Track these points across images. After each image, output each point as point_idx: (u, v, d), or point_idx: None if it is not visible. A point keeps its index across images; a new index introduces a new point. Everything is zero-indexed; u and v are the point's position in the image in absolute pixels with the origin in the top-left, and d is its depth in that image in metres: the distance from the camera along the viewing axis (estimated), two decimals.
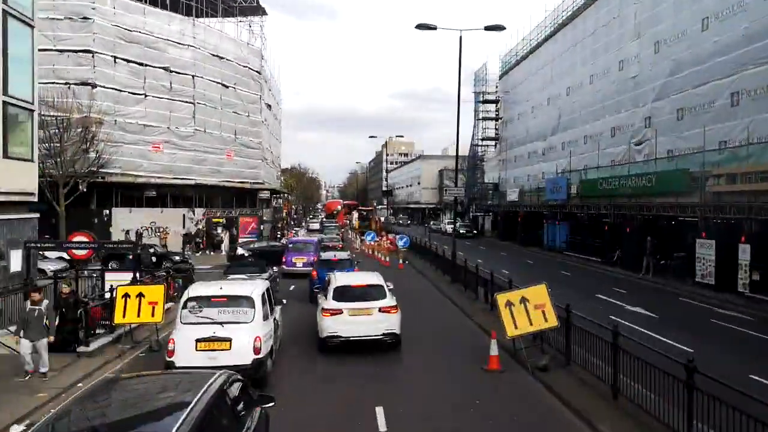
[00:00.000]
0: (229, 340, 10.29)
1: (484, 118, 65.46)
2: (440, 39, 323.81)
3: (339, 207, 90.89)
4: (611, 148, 36.72)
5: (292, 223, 65.32)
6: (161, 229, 42.37)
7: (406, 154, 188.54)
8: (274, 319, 12.37)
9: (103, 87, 39.31)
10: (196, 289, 11.74)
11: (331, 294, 13.70)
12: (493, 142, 66.55)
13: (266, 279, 16.96)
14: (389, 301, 13.72)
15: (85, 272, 18.76)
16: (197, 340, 10.28)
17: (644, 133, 32.93)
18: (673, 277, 26.57)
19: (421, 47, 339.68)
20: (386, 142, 58.11)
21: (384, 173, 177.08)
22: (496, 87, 64.22)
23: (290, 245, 31.01)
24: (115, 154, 38.66)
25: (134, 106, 41.32)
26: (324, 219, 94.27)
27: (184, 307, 11.00)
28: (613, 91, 36.87)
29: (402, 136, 59.77)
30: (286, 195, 69.74)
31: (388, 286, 14.53)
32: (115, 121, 39.85)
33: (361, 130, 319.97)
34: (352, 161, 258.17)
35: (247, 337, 10.40)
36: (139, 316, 13.82)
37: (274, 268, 23.47)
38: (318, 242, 32.62)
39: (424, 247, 37.46)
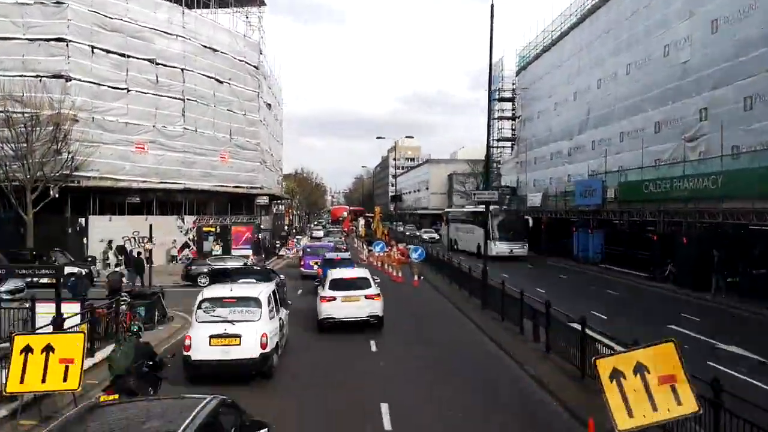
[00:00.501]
0: (239, 336, 11.52)
1: (500, 117, 60.78)
2: (447, 41, 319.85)
3: (345, 213, 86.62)
4: (656, 146, 32.02)
5: (293, 231, 60.84)
6: (145, 241, 37.88)
7: (412, 159, 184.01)
8: (280, 318, 13.60)
9: (79, 80, 34.95)
10: (210, 292, 13.02)
11: (327, 284, 17.33)
12: (509, 143, 61.91)
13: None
14: (374, 290, 17.36)
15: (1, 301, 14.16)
16: (211, 336, 11.49)
17: (699, 127, 28.24)
18: (749, 298, 21.85)
19: (427, 50, 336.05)
20: (395, 143, 53.63)
21: (391, 178, 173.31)
22: (513, 84, 59.61)
23: (307, 249, 33.84)
24: (92, 156, 34.30)
25: (115, 102, 36.94)
26: (329, 226, 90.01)
27: (199, 307, 12.20)
28: (657, 81, 32.19)
29: (412, 137, 55.03)
30: (288, 201, 65.34)
31: (374, 279, 18.33)
32: (93, 118, 35.49)
33: (366, 135, 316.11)
34: (357, 166, 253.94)
35: (255, 333, 11.63)
36: (44, 382, 9.29)
37: (281, 276, 23.21)
38: (333, 247, 34.77)
39: (441, 260, 32.82)
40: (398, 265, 34.86)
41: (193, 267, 29.93)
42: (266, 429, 6.51)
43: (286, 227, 58.90)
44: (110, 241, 35.11)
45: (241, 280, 16.41)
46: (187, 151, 41.41)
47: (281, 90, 67.27)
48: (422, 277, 29.62)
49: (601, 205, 35.24)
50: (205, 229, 39.11)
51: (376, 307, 16.88)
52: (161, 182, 39.66)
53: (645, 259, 30.14)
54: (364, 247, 47.78)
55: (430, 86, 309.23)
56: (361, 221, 73.71)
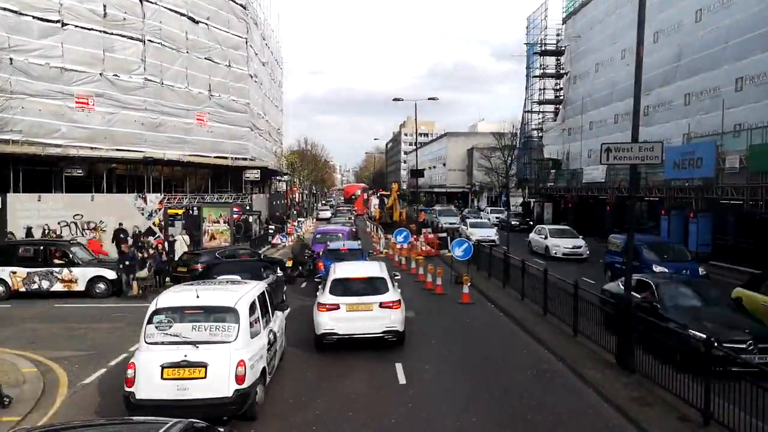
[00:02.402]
0: (204, 365, 8.16)
1: (543, 75, 50.46)
2: (465, 11, 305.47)
3: (358, 192, 77.52)
4: None
5: (295, 212, 51.27)
6: (93, 227, 28.51)
7: (426, 134, 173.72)
8: (271, 331, 9.96)
9: None
10: (167, 298, 9.15)
11: (328, 287, 12.57)
12: (551, 108, 51.70)
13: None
14: (392, 295, 12.39)
15: None
16: (163, 366, 8.13)
17: None
18: None
19: (444, 20, 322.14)
20: (416, 106, 43.47)
21: (403, 155, 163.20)
22: (558, 34, 49.21)
23: (318, 235, 27.29)
24: (10, 111, 24.85)
25: (43, 39, 27.25)
26: (338, 205, 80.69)
27: (150, 321, 8.63)
28: None
29: (436, 98, 44.50)
30: (288, 176, 55.61)
31: (395, 276, 15.88)
32: (10, 60, 25.90)
33: (378, 113, 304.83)
34: (369, 144, 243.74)
35: (227, 361, 8.24)
36: None
37: (279, 271, 18.87)
38: (350, 232, 28.49)
39: (490, 255, 22.82)
40: (421, 256, 25.22)
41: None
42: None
43: (284, 208, 49.26)
44: (29, 228, 25.70)
45: (221, 277, 12.81)
46: (150, 110, 31.77)
47: (280, 46, 57.21)
48: (470, 285, 19.84)
49: (713, 179, 25.28)
50: (170, 211, 29.62)
51: (394, 320, 12.18)
52: (115, 149, 30.13)
53: None
54: (379, 233, 37.99)
55: (446, 60, 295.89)
56: (374, 200, 63.82)
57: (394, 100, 47.22)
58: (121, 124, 30.32)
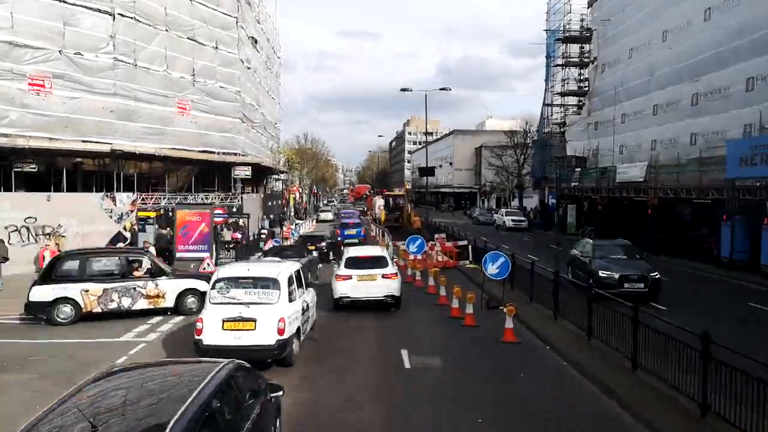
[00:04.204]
0: (254, 320, 10.30)
1: (566, 64, 45.89)
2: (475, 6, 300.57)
3: (367, 192, 74.00)
4: None
5: (292, 214, 46.62)
6: (50, 232, 24.05)
7: (431, 133, 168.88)
8: (304, 301, 12.15)
9: None
10: (226, 271, 11.71)
11: (343, 263, 16.43)
12: (574, 101, 47.13)
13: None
14: (391, 269, 16.31)
15: None
16: (224, 320, 10.31)
17: None
18: None
19: (453, 17, 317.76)
20: (425, 97, 39.33)
21: (407, 154, 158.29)
22: (583, 18, 44.66)
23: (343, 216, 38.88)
24: None
25: None
26: (340, 206, 76.36)
27: (213, 287, 10.93)
28: None
29: (448, 89, 40.12)
30: (287, 175, 50.99)
31: (392, 257, 18.46)
32: None
33: (382, 111, 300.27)
34: (372, 143, 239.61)
35: (272, 317, 10.37)
36: None
37: (314, 252, 23.66)
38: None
39: (532, 272, 18.02)
40: (437, 268, 20.89)
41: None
42: (281, 392, 6.84)
43: (276, 210, 44.71)
44: None
45: (266, 258, 17.29)
46: (121, 95, 27.33)
47: (278, 33, 52.71)
48: (516, 316, 15.13)
49: None
50: (140, 214, 25.09)
51: (393, 287, 15.99)
52: (77, 140, 25.67)
53: None
54: (386, 239, 33.42)
55: (453, 57, 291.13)
56: (378, 201, 59.27)
57: (402, 90, 42.98)
58: (85, 111, 25.86)
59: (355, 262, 16.13)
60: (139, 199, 28.29)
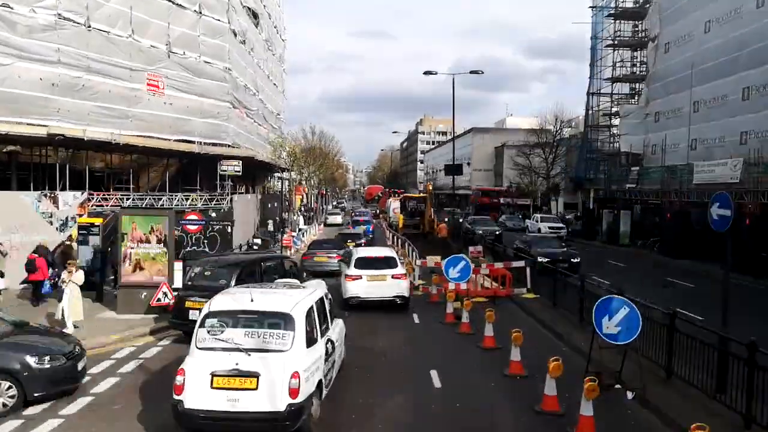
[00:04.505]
0: (257, 375, 7.33)
1: (615, 45, 39.04)
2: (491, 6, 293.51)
3: (380, 194, 68.88)
4: None
5: (295, 218, 40.10)
6: None
7: (444, 133, 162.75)
8: (329, 340, 9.10)
9: None
10: (220, 301, 8.52)
11: (353, 263, 16.34)
12: (626, 88, 40.34)
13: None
14: (400, 269, 16.44)
15: None
16: (213, 374, 7.36)
17: None
18: None
19: (470, 16, 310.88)
20: (453, 81, 32.53)
21: (420, 154, 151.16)
22: None
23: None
24: None
25: None
26: (354, 209, 70.14)
27: (202, 325, 7.94)
28: None
29: (480, 72, 33.39)
30: (288, 172, 44.41)
31: (400, 259, 17.30)
32: None
33: (393, 112, 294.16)
34: (383, 143, 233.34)
35: (282, 372, 7.37)
36: None
37: (351, 247, 22.28)
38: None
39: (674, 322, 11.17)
40: (481, 298, 14.21)
41: None
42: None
43: (276, 214, 38.04)
44: None
45: (279, 281, 12.09)
46: (67, 64, 20.97)
47: (282, 11, 46.27)
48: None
49: None
50: (82, 220, 18.60)
51: (402, 288, 16.07)
52: (7, 121, 19.30)
53: None
54: (408, 250, 26.65)
55: (470, 56, 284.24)
56: (392, 203, 52.59)
57: (425, 73, 36.29)
58: (16, 82, 19.53)
59: (365, 263, 16.33)
60: (95, 200, 21.94)
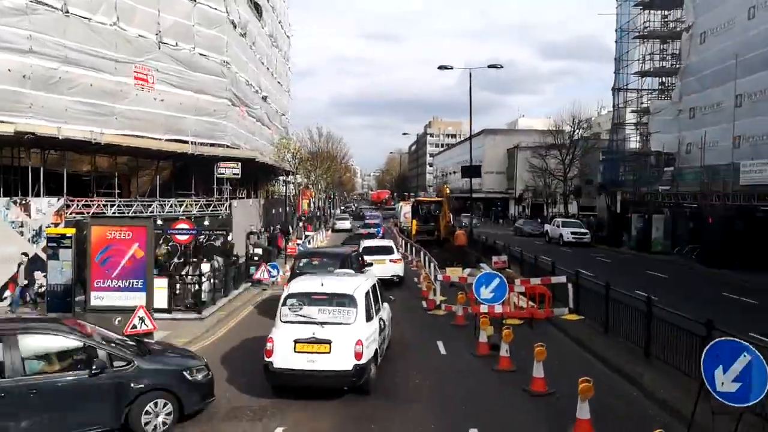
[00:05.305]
0: (329, 342, 9.38)
1: (645, 36, 36.32)
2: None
3: (387, 197, 66.99)
4: None
5: (301, 223, 37.52)
6: None
7: (453, 135, 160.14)
8: (381, 319, 11.06)
9: None
10: (298, 285, 10.74)
11: (360, 250, 19.87)
12: (656, 82, 37.58)
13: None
14: (396, 255, 21.55)
15: None
16: (296, 341, 9.40)
17: None
18: None
19: (481, 19, 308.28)
20: (470, 75, 30.09)
21: (429, 157, 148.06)
22: None
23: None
24: None
25: None
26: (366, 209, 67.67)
27: (284, 303, 10.09)
28: None
29: (500, 66, 30.74)
30: (293, 175, 41.91)
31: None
32: None
33: (403, 116, 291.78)
34: (391, 146, 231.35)
35: (348, 340, 9.39)
36: None
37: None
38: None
39: None
40: (516, 319, 11.55)
41: None
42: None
43: (280, 220, 35.48)
44: None
45: (338, 271, 14.14)
46: (41, 53, 18.58)
47: (287, 6, 43.88)
48: None
49: None
50: (51, 231, 16.12)
51: (398, 269, 20.93)
52: None
53: None
54: (424, 261, 23.88)
55: (479, 59, 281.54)
56: (403, 207, 49.90)
57: (440, 68, 33.65)
58: None
59: (369, 251, 20.54)
60: (75, 207, 19.50)
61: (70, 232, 15.87)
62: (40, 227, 18.37)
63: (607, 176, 41.01)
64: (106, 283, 13.63)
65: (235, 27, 27.86)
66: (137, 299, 13.19)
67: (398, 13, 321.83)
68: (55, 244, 15.67)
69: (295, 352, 9.25)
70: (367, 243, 22.34)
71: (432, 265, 21.45)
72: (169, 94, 23.27)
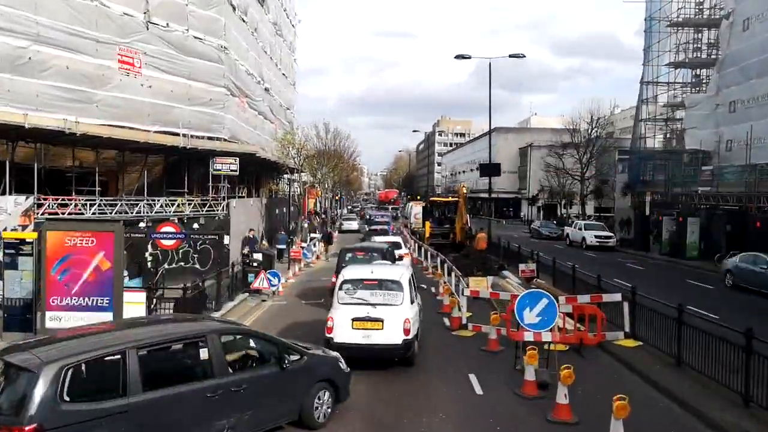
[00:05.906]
0: (382, 320, 10.91)
1: (678, 23, 33.61)
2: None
3: (394, 197, 65.28)
4: None
5: (306, 224, 35.18)
6: None
7: (462, 134, 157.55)
8: (418, 303, 12.62)
9: None
10: (351, 272, 12.34)
11: None
12: (689, 75, 34.89)
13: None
14: (404, 250, 23.70)
15: None
16: (353, 319, 10.97)
17: None
18: None
19: (491, 15, 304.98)
20: (490, 66, 27.38)
21: (437, 156, 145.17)
22: None
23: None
24: None
25: None
26: (372, 213, 65.00)
27: (340, 288, 11.66)
28: None
29: (522, 55, 28.13)
30: (298, 173, 39.50)
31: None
32: None
33: (412, 114, 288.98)
34: (399, 145, 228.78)
35: (398, 318, 10.95)
36: None
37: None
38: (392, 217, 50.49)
39: None
40: (562, 345, 9.29)
41: None
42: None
43: (284, 221, 33.02)
44: None
45: (376, 262, 15.90)
46: (9, 31, 16.20)
47: None
48: None
49: None
50: (7, 235, 13.76)
51: (406, 263, 18.92)
52: None
53: None
54: (448, 270, 21.05)
55: (489, 53, 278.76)
56: (414, 207, 47.32)
57: (457, 57, 31.05)
58: None
59: None
60: (46, 206, 17.11)
61: (32, 236, 13.43)
62: (4, 229, 16.00)
63: (632, 176, 38.25)
64: (65, 300, 11.29)
65: (234, 9, 25.43)
66: (103, 320, 10.77)
67: (408, 10, 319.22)
68: (13, 251, 13.17)
69: (352, 329, 10.83)
70: (378, 239, 23.89)
71: (453, 274, 18.80)
72: (158, 81, 20.85)
